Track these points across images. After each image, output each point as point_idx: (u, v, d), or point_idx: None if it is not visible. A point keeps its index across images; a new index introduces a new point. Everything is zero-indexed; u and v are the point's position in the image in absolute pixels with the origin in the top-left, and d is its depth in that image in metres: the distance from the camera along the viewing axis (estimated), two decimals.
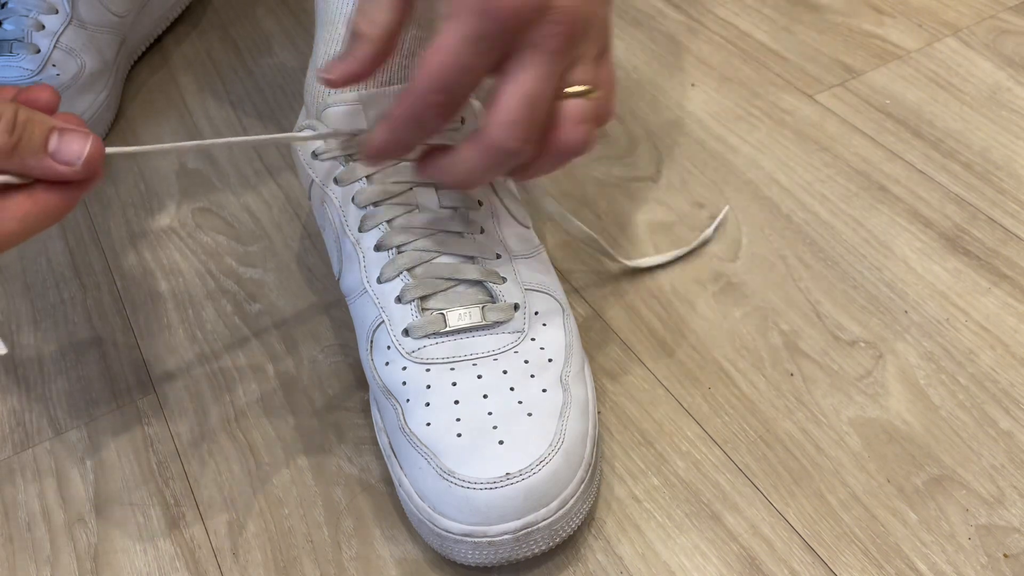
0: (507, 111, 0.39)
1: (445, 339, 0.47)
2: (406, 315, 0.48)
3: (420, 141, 0.42)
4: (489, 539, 0.42)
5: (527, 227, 0.53)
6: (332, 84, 0.41)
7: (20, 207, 0.35)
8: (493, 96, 0.40)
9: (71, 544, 0.49)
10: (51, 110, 0.37)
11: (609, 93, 0.43)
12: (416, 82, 0.39)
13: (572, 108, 0.41)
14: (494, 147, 0.40)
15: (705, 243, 0.59)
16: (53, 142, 0.35)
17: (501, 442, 0.43)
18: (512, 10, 0.37)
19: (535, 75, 0.39)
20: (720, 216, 0.60)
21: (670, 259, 0.58)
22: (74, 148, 0.35)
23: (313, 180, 0.53)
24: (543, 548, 0.43)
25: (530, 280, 0.50)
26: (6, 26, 0.71)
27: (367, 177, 0.50)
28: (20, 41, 0.71)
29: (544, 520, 0.43)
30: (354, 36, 0.40)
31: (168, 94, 0.78)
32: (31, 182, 0.35)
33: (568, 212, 0.54)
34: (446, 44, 0.38)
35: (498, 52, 0.39)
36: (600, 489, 0.48)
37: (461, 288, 0.48)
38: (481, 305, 0.48)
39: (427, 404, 0.45)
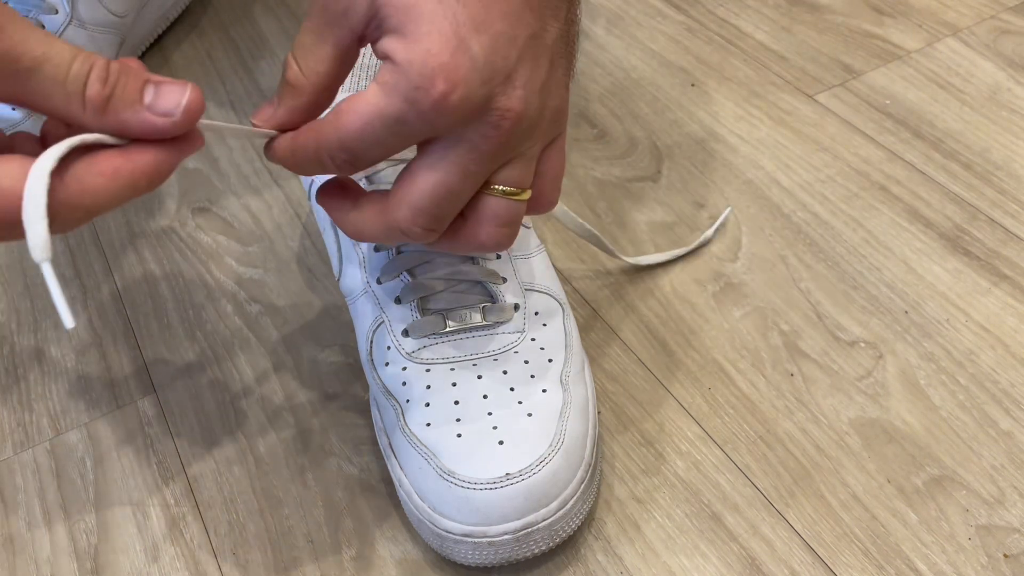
0: (416, 197, 0.36)
1: (445, 339, 0.47)
2: (406, 315, 0.48)
3: (317, 173, 0.38)
4: (489, 539, 0.42)
5: (527, 227, 0.53)
6: (256, 127, 0.37)
7: (110, 162, 0.31)
8: (407, 171, 0.37)
9: (71, 544, 0.49)
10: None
11: (548, 188, 0.40)
12: (326, 128, 0.36)
13: (493, 207, 0.38)
14: (394, 225, 0.37)
15: (706, 243, 0.59)
16: (149, 93, 0.32)
17: (501, 442, 0.43)
18: (447, 111, 0.34)
19: (456, 171, 0.36)
20: (721, 217, 0.60)
21: (670, 258, 0.58)
22: (172, 98, 0.32)
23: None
24: (543, 548, 0.43)
25: (530, 280, 0.50)
26: None
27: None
28: None
29: (544, 520, 0.43)
30: (285, 83, 0.36)
31: None
32: (126, 143, 0.32)
33: (569, 209, 0.54)
34: (363, 111, 0.34)
35: (418, 139, 0.36)
36: (600, 489, 0.48)
37: (461, 288, 0.48)
38: (481, 305, 0.48)
39: (427, 404, 0.45)
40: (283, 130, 0.37)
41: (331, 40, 0.36)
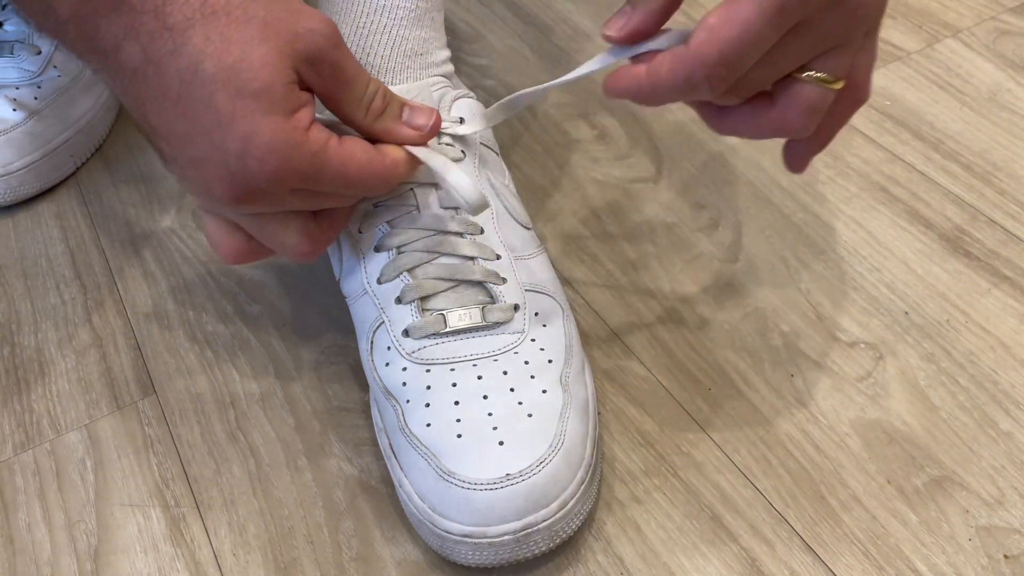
0: (725, 34, 0.36)
1: (445, 340, 0.47)
2: (406, 316, 0.48)
3: (673, 101, 0.39)
4: (489, 540, 0.42)
5: (528, 228, 0.53)
6: (614, 40, 0.39)
7: (366, 151, 0.42)
8: (709, 19, 0.37)
9: (71, 545, 0.49)
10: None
11: (863, 79, 0.40)
12: (701, 48, 0.36)
13: (807, 94, 0.38)
14: (698, 67, 0.37)
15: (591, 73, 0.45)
16: (406, 112, 0.45)
17: (501, 443, 0.43)
18: None
19: (802, 51, 0.37)
20: None
21: (586, 71, 0.43)
22: (422, 118, 0.45)
23: None
24: (543, 549, 0.43)
25: (530, 281, 0.50)
26: (7, 27, 0.71)
27: None
28: (21, 43, 0.71)
29: (544, 521, 0.43)
30: (639, 99, 0.39)
31: None
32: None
33: (569, 212, 0.54)
34: (744, 16, 0.35)
35: (789, 27, 0.36)
36: (600, 490, 0.48)
37: (461, 289, 0.48)
38: (481, 306, 0.48)
39: (427, 405, 0.45)
40: (640, 37, 0.39)
41: None
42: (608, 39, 0.40)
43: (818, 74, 0.38)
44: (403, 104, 0.45)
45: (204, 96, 0.38)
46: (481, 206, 0.45)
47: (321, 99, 0.43)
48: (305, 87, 0.41)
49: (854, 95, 0.41)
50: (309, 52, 0.39)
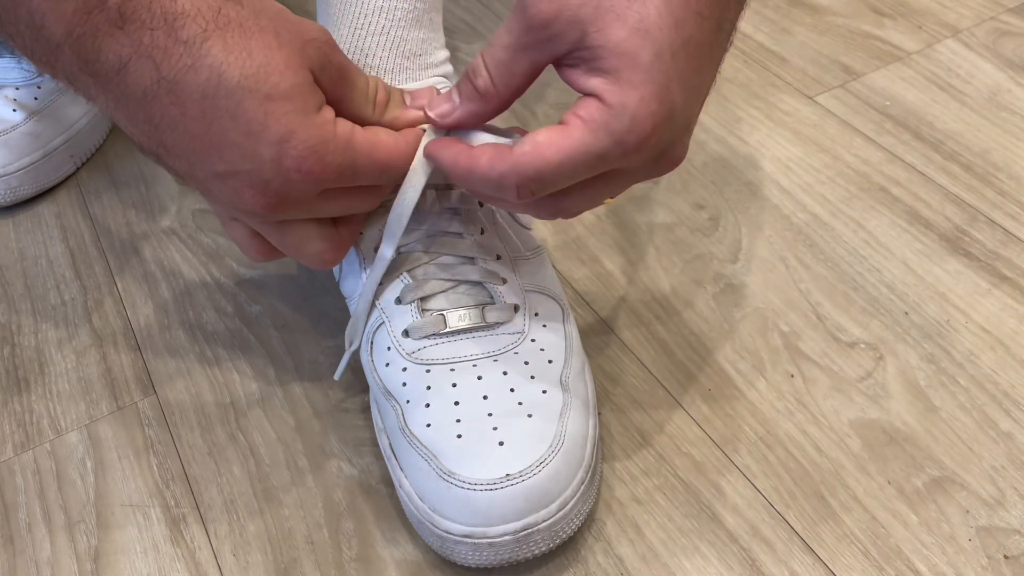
0: (565, 201, 0.40)
1: (445, 340, 0.47)
2: (406, 316, 0.48)
3: (481, 194, 0.42)
4: (489, 540, 0.42)
5: (528, 228, 0.53)
6: (434, 124, 0.42)
7: (390, 134, 0.43)
8: (536, 137, 0.38)
9: (71, 546, 0.49)
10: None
11: None
12: (522, 158, 0.37)
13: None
14: (511, 175, 0.38)
15: None
16: (408, 99, 0.44)
17: (501, 443, 0.43)
18: (643, 150, 0.37)
19: (604, 189, 0.39)
20: None
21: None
22: (424, 99, 0.44)
23: None
24: (543, 549, 0.43)
25: (530, 281, 0.50)
26: None
27: None
28: None
29: (544, 521, 0.43)
30: (473, 89, 0.40)
31: None
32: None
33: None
34: (566, 145, 0.37)
35: (601, 171, 0.38)
36: (600, 490, 0.48)
37: (461, 289, 0.48)
38: (481, 306, 0.48)
39: (427, 405, 0.45)
40: (456, 126, 0.42)
41: (528, 60, 0.38)
42: (431, 121, 0.42)
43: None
44: (403, 92, 0.45)
45: (231, 107, 0.37)
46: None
47: (330, 103, 0.42)
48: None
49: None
50: (318, 57, 0.40)
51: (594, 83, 0.37)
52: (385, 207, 0.49)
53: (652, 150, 0.37)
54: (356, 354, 0.50)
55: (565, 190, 0.39)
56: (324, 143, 0.39)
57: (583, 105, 0.37)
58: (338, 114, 0.42)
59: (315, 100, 0.39)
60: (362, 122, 0.43)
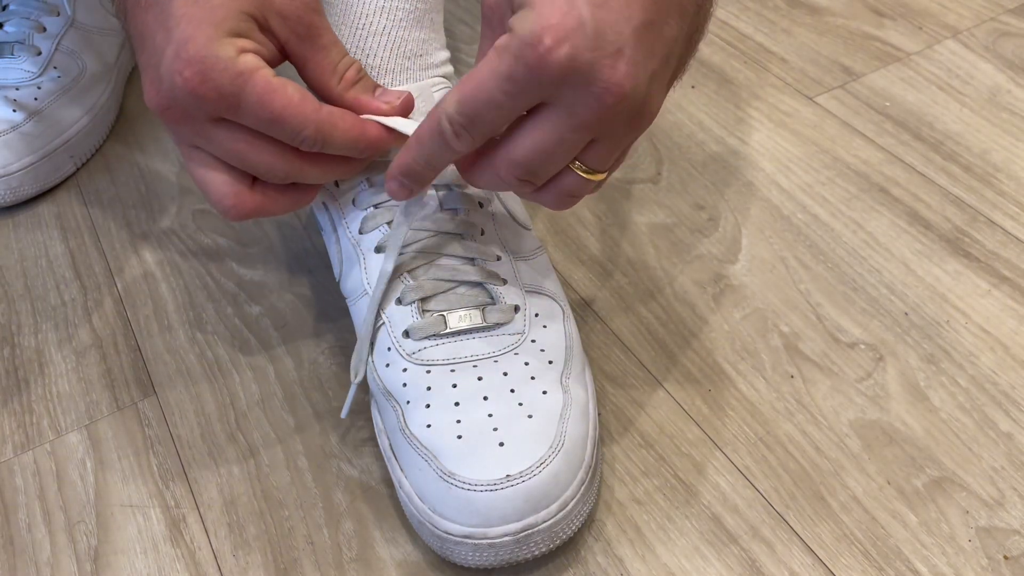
0: (514, 154, 0.40)
1: (445, 341, 0.47)
2: (406, 317, 0.48)
3: (438, 165, 0.42)
4: (489, 541, 0.42)
5: (528, 229, 0.53)
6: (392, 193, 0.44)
7: (304, 95, 0.42)
8: (512, 129, 0.40)
9: (71, 546, 0.49)
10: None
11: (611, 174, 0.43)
12: (443, 102, 0.39)
13: (565, 180, 0.41)
14: (494, 171, 0.41)
15: None
16: (378, 92, 0.45)
17: (501, 444, 0.43)
18: (552, 67, 0.36)
19: (553, 136, 0.38)
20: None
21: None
22: (392, 96, 0.45)
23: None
24: (543, 550, 0.43)
25: (531, 282, 0.50)
26: (7, 28, 0.71)
27: (367, 179, 0.50)
28: (22, 43, 0.71)
29: (544, 522, 0.43)
30: (410, 172, 0.42)
31: None
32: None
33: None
34: (479, 76, 0.38)
35: (528, 99, 0.38)
36: (600, 491, 0.48)
37: (461, 290, 0.48)
38: (481, 307, 0.48)
39: (427, 406, 0.45)
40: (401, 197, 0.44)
41: (491, 38, 0.39)
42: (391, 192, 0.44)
43: (581, 164, 0.40)
44: (377, 85, 0.46)
45: (165, 2, 0.40)
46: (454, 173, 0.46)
47: (291, 59, 0.44)
48: (275, 40, 0.42)
49: (597, 189, 0.43)
50: (283, 5, 0.41)
51: (511, 20, 0.37)
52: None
53: (563, 67, 0.36)
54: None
55: (516, 141, 0.39)
56: (216, 59, 0.39)
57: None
58: (301, 74, 0.44)
59: (236, 25, 0.40)
60: (324, 91, 0.44)
